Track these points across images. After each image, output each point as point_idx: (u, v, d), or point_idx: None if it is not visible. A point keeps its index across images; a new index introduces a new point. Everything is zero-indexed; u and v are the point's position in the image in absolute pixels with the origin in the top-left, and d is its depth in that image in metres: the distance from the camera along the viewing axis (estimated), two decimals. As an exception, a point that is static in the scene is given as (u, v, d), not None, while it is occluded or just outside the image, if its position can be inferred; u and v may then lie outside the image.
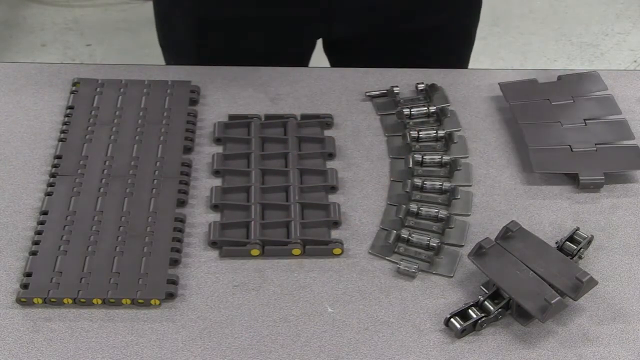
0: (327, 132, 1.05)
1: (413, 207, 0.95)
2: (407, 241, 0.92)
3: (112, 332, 0.84)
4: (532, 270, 0.85)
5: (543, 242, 0.89)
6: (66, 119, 1.04)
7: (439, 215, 0.94)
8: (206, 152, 1.02)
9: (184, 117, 1.05)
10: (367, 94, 1.10)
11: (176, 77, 1.11)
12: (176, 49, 1.27)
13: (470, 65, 1.32)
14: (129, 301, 0.85)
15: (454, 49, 1.28)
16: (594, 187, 0.98)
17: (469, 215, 0.96)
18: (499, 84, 1.08)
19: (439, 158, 1.00)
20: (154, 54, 1.31)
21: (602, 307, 0.87)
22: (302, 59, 1.28)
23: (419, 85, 1.10)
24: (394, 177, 1.00)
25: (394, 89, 1.09)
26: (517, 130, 1.06)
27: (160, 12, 1.26)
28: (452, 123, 1.06)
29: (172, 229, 0.92)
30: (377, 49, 1.23)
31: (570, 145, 1.01)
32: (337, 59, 1.31)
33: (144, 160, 0.99)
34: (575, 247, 0.89)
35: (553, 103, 1.06)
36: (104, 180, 0.96)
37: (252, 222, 0.93)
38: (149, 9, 1.28)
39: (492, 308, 0.84)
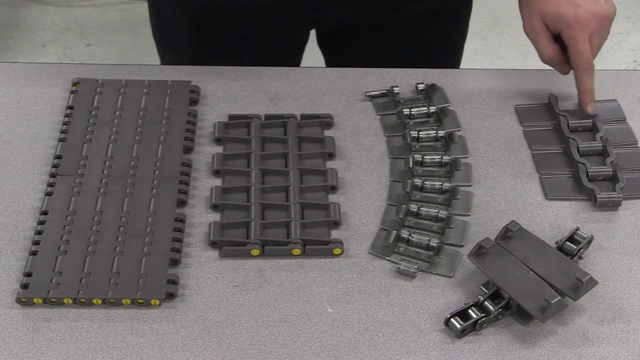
0: (327, 132, 1.05)
1: (413, 207, 0.95)
2: (407, 241, 0.92)
3: (112, 332, 0.83)
4: (532, 270, 0.85)
5: (543, 242, 0.89)
6: (66, 119, 1.04)
7: (439, 215, 0.94)
8: (206, 152, 1.02)
9: (184, 117, 1.05)
10: (367, 94, 1.10)
11: (176, 77, 1.11)
12: (170, 40, 1.27)
13: (470, 65, 1.32)
14: (129, 301, 0.85)
15: (447, 36, 1.28)
16: (612, 205, 0.97)
17: (469, 215, 0.96)
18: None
19: (439, 158, 1.00)
20: (154, 54, 1.31)
21: (602, 307, 0.87)
22: (295, 52, 1.28)
23: (419, 85, 1.10)
24: (394, 177, 1.00)
25: (394, 89, 1.09)
26: (517, 131, 1.06)
27: (155, 3, 1.26)
28: (452, 123, 1.06)
29: (172, 229, 0.92)
30: (371, 37, 1.23)
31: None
32: (331, 49, 1.30)
33: (144, 160, 0.99)
34: (575, 247, 0.89)
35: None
36: (104, 180, 0.96)
37: (252, 222, 0.93)
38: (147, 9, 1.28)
39: (492, 308, 0.84)
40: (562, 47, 1.05)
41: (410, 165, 0.99)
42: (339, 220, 0.94)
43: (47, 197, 0.95)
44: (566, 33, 1.03)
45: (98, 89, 1.08)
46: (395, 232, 0.92)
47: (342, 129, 1.06)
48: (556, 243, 0.90)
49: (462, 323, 0.83)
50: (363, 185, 0.99)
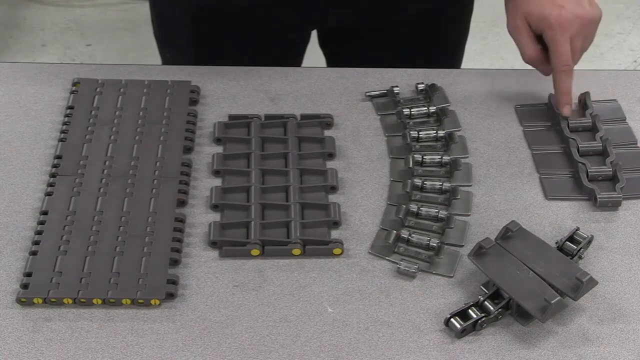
0: (327, 132, 1.05)
1: (413, 207, 0.95)
2: (407, 241, 0.92)
3: (112, 332, 0.84)
4: (532, 270, 0.85)
5: (543, 242, 0.89)
6: (66, 119, 1.04)
7: (439, 215, 0.94)
8: (206, 152, 1.02)
9: (184, 117, 1.05)
10: (367, 94, 1.10)
11: (176, 77, 1.11)
12: (170, 40, 1.27)
13: (470, 65, 1.32)
14: (129, 301, 0.85)
15: (447, 36, 1.28)
16: (612, 205, 0.97)
17: (469, 215, 0.96)
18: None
19: (439, 158, 1.00)
20: (154, 54, 1.31)
21: (602, 307, 0.87)
22: (296, 52, 1.28)
23: (419, 85, 1.10)
24: (394, 177, 1.00)
25: (394, 89, 1.09)
26: (517, 131, 1.06)
27: (156, 4, 1.26)
28: (452, 123, 1.06)
29: (172, 229, 0.92)
30: (371, 37, 1.23)
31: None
32: (332, 49, 1.30)
33: (144, 160, 0.99)
34: (575, 247, 0.89)
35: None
36: (104, 180, 0.96)
37: (252, 222, 0.93)
38: (148, 9, 1.28)
39: (492, 308, 0.84)
40: (544, 48, 1.05)
41: (410, 165, 0.99)
42: (339, 220, 0.94)
43: (47, 197, 0.95)
44: (547, 34, 1.03)
45: (98, 89, 1.08)
46: (395, 232, 0.92)
47: (342, 129, 1.06)
48: (556, 243, 0.90)
49: (462, 323, 0.83)
50: (363, 185, 0.99)
